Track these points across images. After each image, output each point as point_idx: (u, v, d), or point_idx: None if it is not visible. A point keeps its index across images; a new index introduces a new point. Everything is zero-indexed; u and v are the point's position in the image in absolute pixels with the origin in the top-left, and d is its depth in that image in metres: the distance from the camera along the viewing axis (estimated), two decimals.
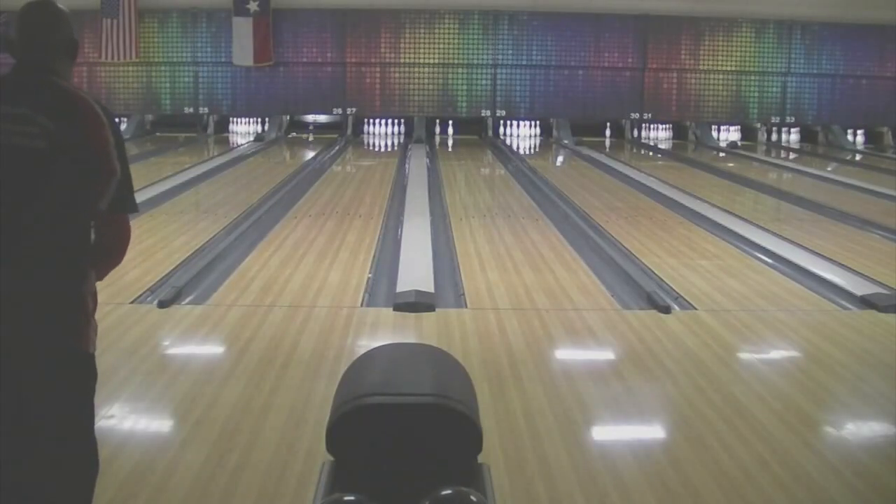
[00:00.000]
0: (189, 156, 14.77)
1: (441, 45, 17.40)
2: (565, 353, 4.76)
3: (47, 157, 2.10)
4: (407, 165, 13.00)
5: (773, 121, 18.21)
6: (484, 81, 17.59)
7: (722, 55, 17.68)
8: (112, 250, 2.38)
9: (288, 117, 17.86)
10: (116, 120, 2.32)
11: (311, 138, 17.50)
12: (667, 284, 6.01)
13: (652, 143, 17.94)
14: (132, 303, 5.37)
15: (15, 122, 2.09)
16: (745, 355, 4.77)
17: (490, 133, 17.86)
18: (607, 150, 16.59)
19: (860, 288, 5.87)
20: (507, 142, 17.41)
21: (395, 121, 17.93)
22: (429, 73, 17.51)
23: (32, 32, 2.23)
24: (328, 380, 4.04)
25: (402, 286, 5.65)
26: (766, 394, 4.06)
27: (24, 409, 2.11)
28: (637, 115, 17.92)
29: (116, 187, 2.21)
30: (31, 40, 2.23)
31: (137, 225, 7.94)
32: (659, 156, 16.51)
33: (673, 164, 14.89)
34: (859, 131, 18.54)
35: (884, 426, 3.85)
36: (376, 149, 16.51)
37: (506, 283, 6.00)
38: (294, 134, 17.87)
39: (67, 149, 2.12)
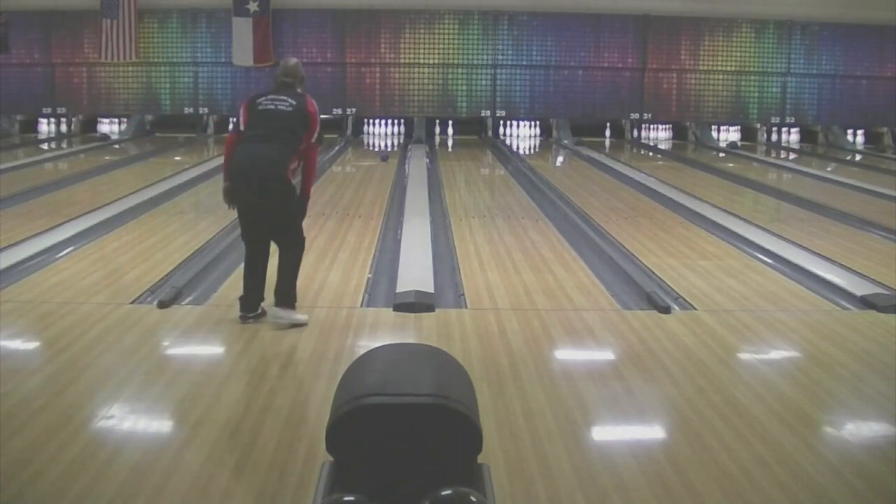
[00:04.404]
0: (189, 156, 14.76)
1: (441, 46, 17.41)
2: (565, 353, 4.76)
3: (289, 114, 4.96)
4: (407, 165, 13.01)
5: (773, 121, 18.21)
6: (484, 82, 17.60)
7: (722, 55, 17.69)
8: (314, 159, 5.20)
9: None
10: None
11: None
12: (667, 284, 6.01)
13: (652, 144, 17.94)
14: (132, 303, 5.37)
15: (280, 101, 4.98)
16: (745, 355, 4.77)
17: (490, 133, 17.87)
18: (607, 150, 16.59)
19: (860, 288, 5.88)
20: (507, 142, 17.42)
21: (395, 121, 17.94)
22: (429, 73, 17.51)
23: (287, 73, 5.14)
24: (328, 380, 4.05)
25: (401, 286, 5.65)
26: (766, 394, 4.06)
27: (276, 205, 4.94)
28: (637, 116, 17.93)
29: (317, 134, 5.08)
30: (286, 76, 5.12)
31: (138, 225, 7.96)
32: (659, 156, 16.51)
33: (673, 164, 14.89)
34: (859, 131, 18.56)
35: (884, 426, 3.85)
36: (376, 149, 16.50)
37: (505, 284, 6.00)
38: None
39: (298, 112, 4.98)
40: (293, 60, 5.24)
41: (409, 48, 17.39)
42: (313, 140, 5.07)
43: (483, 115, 17.79)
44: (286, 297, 4.97)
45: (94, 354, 4.45)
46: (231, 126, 5.12)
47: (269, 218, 4.95)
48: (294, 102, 4.98)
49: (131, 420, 3.68)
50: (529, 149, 16.95)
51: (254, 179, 4.85)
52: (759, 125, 18.28)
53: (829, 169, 14.49)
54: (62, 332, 4.81)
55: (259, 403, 3.84)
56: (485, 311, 5.35)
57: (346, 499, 2.03)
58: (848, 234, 8.14)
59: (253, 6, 16.80)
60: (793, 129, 18.60)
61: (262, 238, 5.00)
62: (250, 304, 5.02)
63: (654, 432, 3.74)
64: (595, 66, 17.59)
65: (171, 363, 4.50)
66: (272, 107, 4.96)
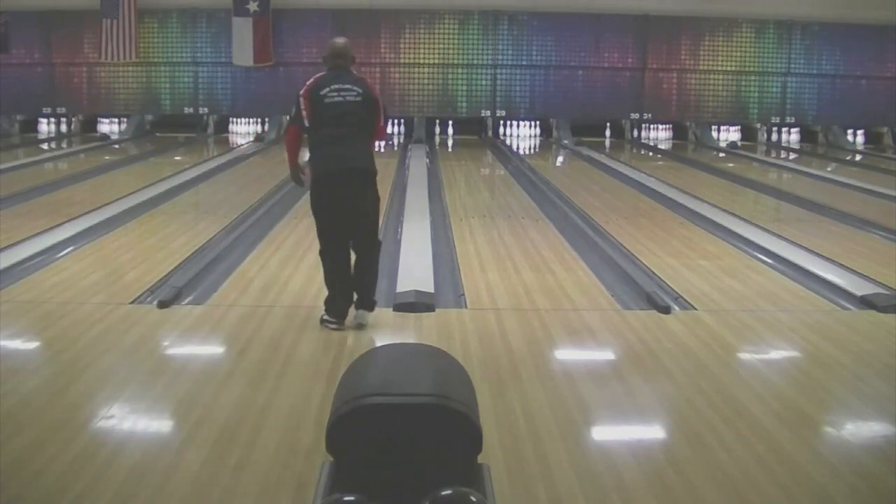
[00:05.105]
0: (189, 156, 14.76)
1: (441, 46, 17.40)
2: (565, 353, 4.76)
3: (360, 104, 4.83)
4: (407, 165, 13.01)
5: (773, 121, 18.21)
6: (484, 81, 17.59)
7: (722, 55, 17.68)
8: (382, 135, 5.21)
9: (288, 117, 17.82)
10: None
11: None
12: (667, 284, 6.01)
13: (652, 144, 17.94)
14: (132, 303, 5.37)
15: (347, 91, 4.82)
16: (745, 355, 4.77)
17: (490, 133, 17.87)
18: (607, 150, 16.59)
19: (860, 288, 5.87)
20: (507, 142, 17.41)
21: (395, 121, 17.95)
22: (429, 73, 17.51)
23: (340, 54, 4.93)
24: (328, 380, 4.04)
25: (401, 286, 5.66)
26: (766, 394, 4.06)
27: (373, 200, 5.01)
28: (637, 115, 17.93)
29: (384, 116, 5.02)
30: (338, 57, 4.92)
31: (138, 225, 7.96)
32: (659, 156, 16.51)
33: (673, 164, 14.89)
34: (859, 131, 18.55)
35: (884, 426, 3.85)
36: (376, 149, 16.52)
37: (506, 284, 5.99)
38: None
39: (367, 100, 4.86)
40: (342, 40, 5.01)
41: (409, 48, 17.38)
42: (382, 124, 5.06)
43: (483, 115, 17.78)
44: (372, 301, 5.03)
45: (95, 354, 4.45)
46: (291, 116, 4.96)
47: (362, 217, 4.92)
48: (361, 91, 4.82)
49: (131, 420, 3.68)
50: (529, 149, 16.94)
51: (350, 183, 4.82)
52: (759, 125, 18.27)
53: (829, 169, 14.49)
54: (62, 332, 4.81)
55: (259, 403, 3.84)
56: (485, 311, 5.35)
57: (346, 499, 2.03)
58: (848, 234, 8.14)
59: (253, 6, 16.80)
60: (793, 129, 18.59)
61: (346, 241, 4.94)
62: (345, 311, 4.93)
63: (654, 432, 3.74)
64: (595, 66, 17.59)
65: (171, 363, 4.50)
66: (340, 98, 4.77)
